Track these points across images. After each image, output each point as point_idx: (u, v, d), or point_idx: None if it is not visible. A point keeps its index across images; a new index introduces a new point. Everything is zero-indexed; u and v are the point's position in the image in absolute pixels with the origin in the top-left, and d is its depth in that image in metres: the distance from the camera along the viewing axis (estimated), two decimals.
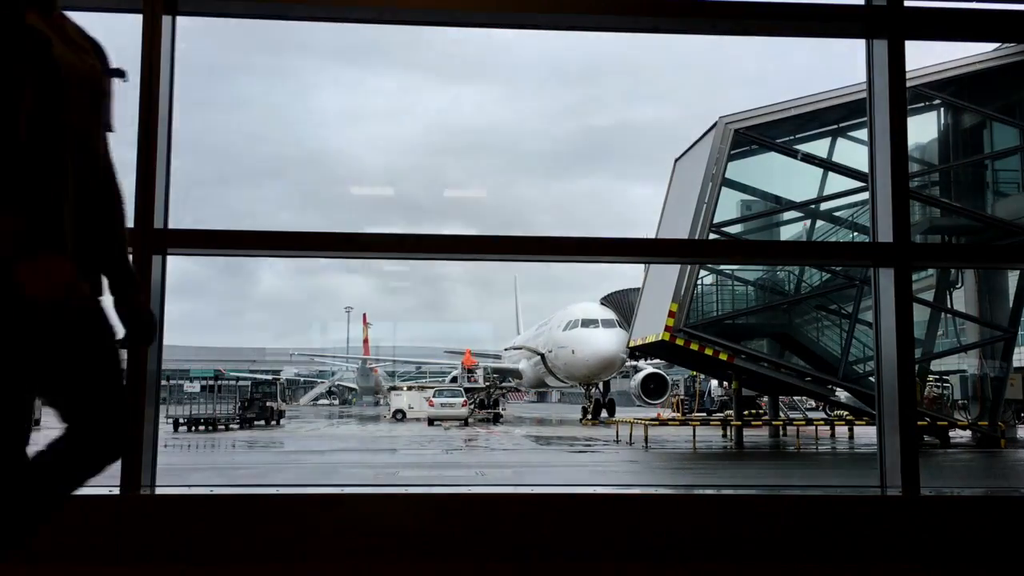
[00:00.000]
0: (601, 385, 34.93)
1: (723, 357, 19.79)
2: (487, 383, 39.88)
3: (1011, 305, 19.61)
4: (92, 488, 3.90)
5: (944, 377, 21.96)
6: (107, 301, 2.18)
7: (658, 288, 20.95)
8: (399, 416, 34.86)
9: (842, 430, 24.10)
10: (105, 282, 2.20)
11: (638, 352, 25.24)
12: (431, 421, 31.84)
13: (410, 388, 37.76)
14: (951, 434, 20.52)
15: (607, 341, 30.10)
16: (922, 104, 19.27)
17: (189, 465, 16.11)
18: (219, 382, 33.60)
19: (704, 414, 31.13)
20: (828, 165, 19.63)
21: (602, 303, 34.26)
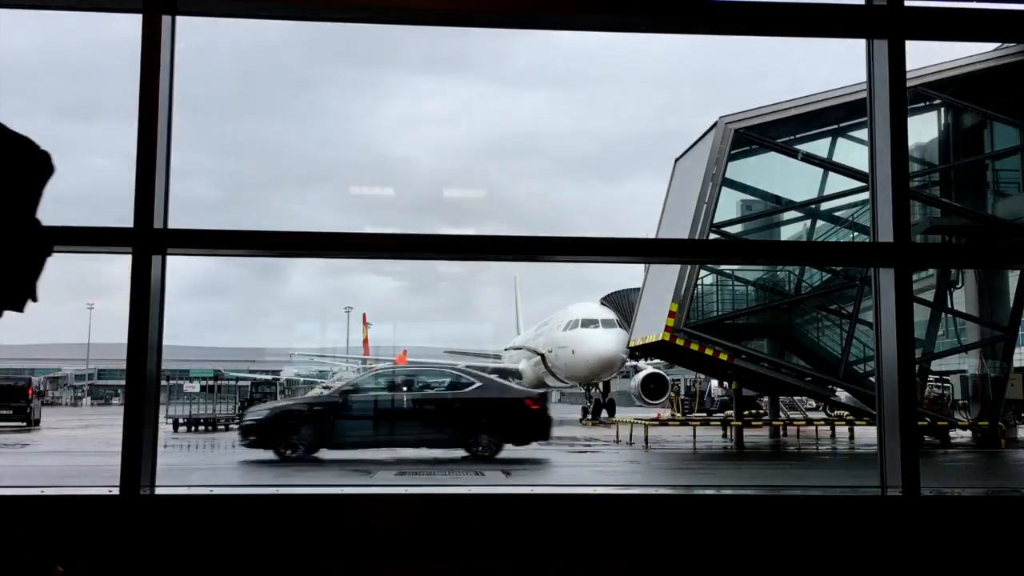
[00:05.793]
0: (601, 385, 34.90)
1: (723, 357, 19.78)
2: None
3: (1011, 305, 19.60)
4: (92, 488, 3.91)
5: (944, 377, 21.96)
6: None
7: (658, 288, 20.94)
8: None
9: (842, 430, 24.09)
10: None
11: (638, 352, 25.23)
12: None
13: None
14: (951, 434, 20.52)
15: (607, 341, 30.09)
16: (922, 104, 19.26)
17: (190, 465, 16.12)
18: (219, 382, 33.55)
19: (704, 414, 31.14)
20: (828, 165, 19.63)
21: (602, 303, 34.24)
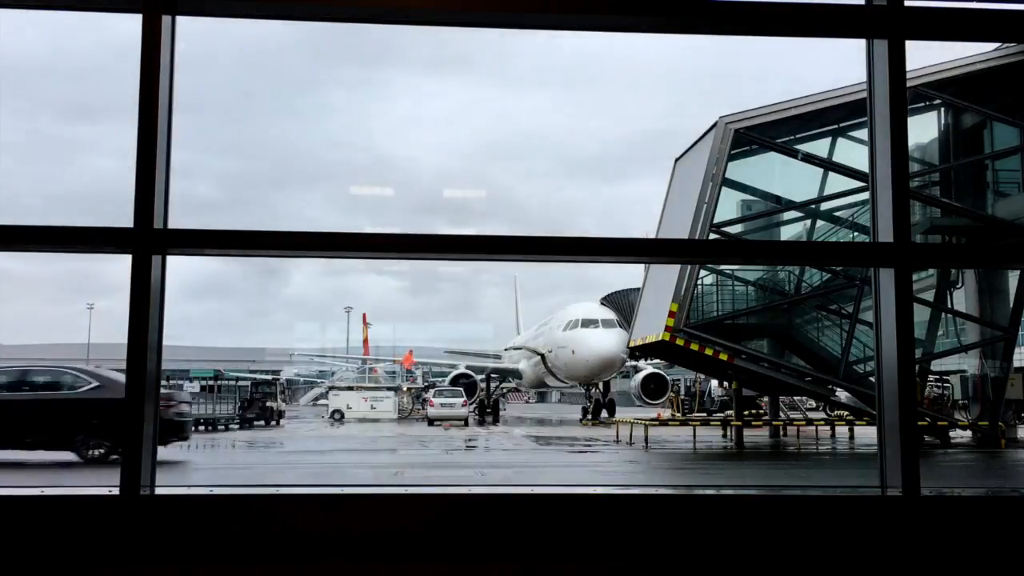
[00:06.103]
0: (601, 385, 34.92)
1: (723, 357, 19.80)
2: (425, 383, 42.53)
3: (1011, 305, 19.61)
4: (92, 488, 3.91)
5: (944, 377, 21.97)
6: None
7: (658, 288, 20.96)
8: (337, 416, 34.97)
9: (842, 430, 24.11)
10: None
11: (638, 352, 25.24)
12: (431, 421, 31.89)
13: (349, 389, 39.06)
14: (951, 434, 20.53)
15: (607, 341, 30.10)
16: (922, 104, 19.28)
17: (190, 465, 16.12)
18: (219, 382, 33.56)
19: (704, 414, 31.17)
20: (828, 165, 19.64)
21: (602, 303, 34.26)
